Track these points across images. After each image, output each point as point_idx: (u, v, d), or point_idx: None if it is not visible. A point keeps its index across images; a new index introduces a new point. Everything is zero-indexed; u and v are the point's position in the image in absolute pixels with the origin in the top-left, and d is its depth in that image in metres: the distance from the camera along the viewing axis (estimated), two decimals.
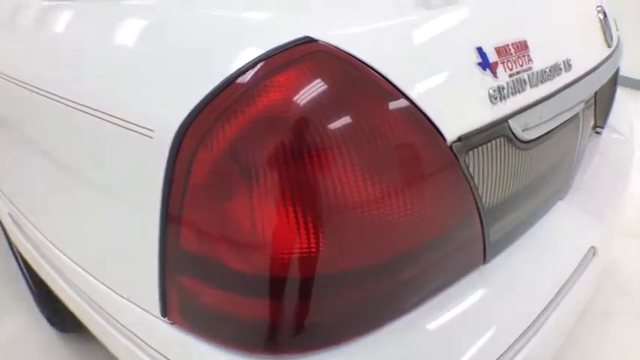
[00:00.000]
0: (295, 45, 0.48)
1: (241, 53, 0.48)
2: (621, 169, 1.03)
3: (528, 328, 0.63)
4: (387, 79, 0.49)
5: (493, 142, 0.59)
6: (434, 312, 0.57)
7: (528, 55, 0.64)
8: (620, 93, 1.19)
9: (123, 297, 0.64)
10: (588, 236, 0.82)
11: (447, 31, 0.58)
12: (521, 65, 0.63)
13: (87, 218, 0.68)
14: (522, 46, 0.64)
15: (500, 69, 0.59)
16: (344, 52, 0.48)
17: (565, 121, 0.74)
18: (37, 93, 0.72)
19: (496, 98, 0.58)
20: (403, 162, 0.50)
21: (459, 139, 0.54)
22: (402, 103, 0.50)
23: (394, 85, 0.49)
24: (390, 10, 0.59)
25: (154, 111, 0.53)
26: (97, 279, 0.69)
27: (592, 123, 0.99)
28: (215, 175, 0.47)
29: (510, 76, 0.60)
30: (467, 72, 0.56)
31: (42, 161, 0.76)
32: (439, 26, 0.58)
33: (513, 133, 0.61)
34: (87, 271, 0.71)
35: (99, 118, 0.58)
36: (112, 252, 0.66)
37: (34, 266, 0.98)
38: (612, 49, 0.95)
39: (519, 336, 0.62)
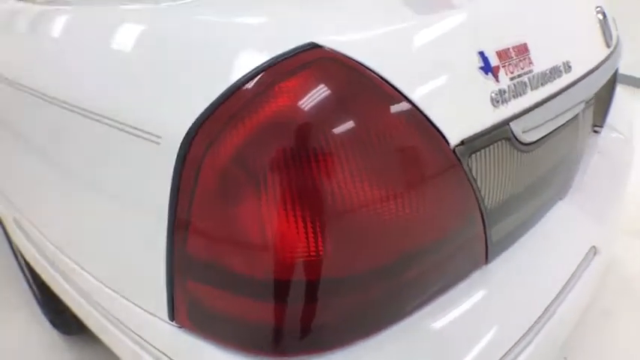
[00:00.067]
0: (300, 52, 0.48)
1: (247, 60, 0.49)
2: (621, 167, 1.03)
3: (530, 327, 0.64)
4: (390, 84, 0.50)
5: (495, 144, 0.59)
6: (437, 313, 0.58)
7: (529, 58, 0.65)
8: (620, 91, 1.19)
9: (130, 301, 0.65)
10: (589, 236, 0.82)
11: (449, 35, 0.58)
12: (522, 68, 0.63)
13: (94, 223, 0.69)
14: (523, 49, 0.64)
15: (501, 73, 0.60)
16: (348, 58, 0.49)
17: (565, 122, 0.75)
18: (42, 99, 0.72)
19: (498, 101, 0.59)
20: (407, 166, 0.50)
21: (462, 142, 0.54)
22: (406, 108, 0.50)
23: (398, 90, 0.50)
24: (393, 15, 0.59)
25: (161, 117, 0.53)
26: (104, 283, 0.70)
27: (591, 123, 0.99)
28: (222, 180, 0.47)
29: (511, 79, 0.61)
30: (469, 76, 0.57)
31: (49, 168, 0.76)
32: (441, 31, 0.58)
33: (515, 136, 0.62)
34: (94, 276, 0.72)
35: (106, 124, 0.59)
36: (119, 257, 0.66)
37: (39, 270, 0.98)
38: (612, 49, 0.96)
39: (522, 336, 0.62)
